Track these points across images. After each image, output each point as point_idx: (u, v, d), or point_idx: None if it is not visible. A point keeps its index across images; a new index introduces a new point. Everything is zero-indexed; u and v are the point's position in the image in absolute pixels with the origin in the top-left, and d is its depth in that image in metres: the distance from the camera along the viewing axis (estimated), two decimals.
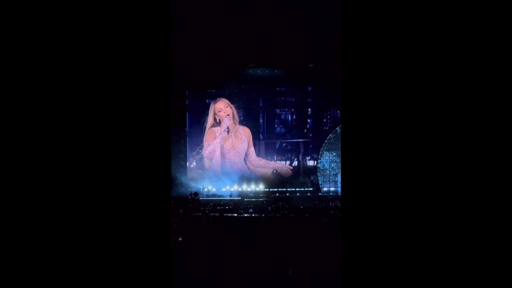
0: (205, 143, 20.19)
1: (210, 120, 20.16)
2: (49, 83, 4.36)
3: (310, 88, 21.36)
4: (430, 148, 4.25)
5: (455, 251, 4.16)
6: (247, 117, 21.12)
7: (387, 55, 4.37)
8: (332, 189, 19.37)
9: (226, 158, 20.29)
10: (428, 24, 4.31)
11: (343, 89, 4.52)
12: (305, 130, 21.34)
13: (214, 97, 20.62)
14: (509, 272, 4.05)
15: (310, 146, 21.05)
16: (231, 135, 20.26)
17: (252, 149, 20.54)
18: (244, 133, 20.50)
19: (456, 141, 4.22)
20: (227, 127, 19.93)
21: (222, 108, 20.07)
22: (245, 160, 20.48)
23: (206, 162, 20.26)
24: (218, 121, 20.18)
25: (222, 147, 20.13)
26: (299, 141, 21.24)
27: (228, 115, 19.93)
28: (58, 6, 4.38)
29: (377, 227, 4.28)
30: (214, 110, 20.19)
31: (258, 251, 6.92)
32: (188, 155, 20.74)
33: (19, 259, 4.26)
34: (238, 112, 20.56)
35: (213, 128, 20.18)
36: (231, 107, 20.12)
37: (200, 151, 20.37)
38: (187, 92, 21.38)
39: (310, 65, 20.37)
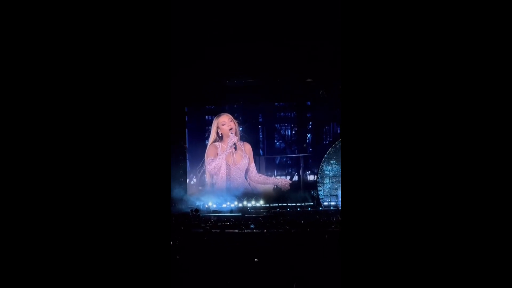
0: (208, 159, 20.12)
1: (212, 134, 20.12)
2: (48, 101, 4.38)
3: (309, 103, 21.37)
4: (429, 161, 4.25)
5: (456, 262, 4.14)
6: (247, 133, 21.07)
7: (386, 70, 4.39)
8: (332, 203, 19.28)
9: (227, 174, 20.22)
10: (423, 40, 4.33)
11: (343, 103, 4.54)
12: (305, 145, 21.30)
13: (214, 113, 20.61)
14: (509, 272, 4.03)
15: (310, 160, 20.98)
16: (232, 152, 20.22)
17: (252, 164, 20.46)
18: (245, 149, 20.43)
19: (455, 154, 4.23)
20: (234, 144, 19.90)
21: (226, 122, 20.05)
22: (245, 176, 20.40)
23: (208, 177, 20.18)
24: (220, 135, 20.14)
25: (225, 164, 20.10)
26: (299, 156, 21.18)
27: (231, 129, 19.91)
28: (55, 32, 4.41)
29: (377, 240, 4.27)
30: (217, 124, 20.18)
31: (260, 266, 6.89)
32: (188, 172, 20.65)
33: (19, 259, 4.24)
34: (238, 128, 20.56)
35: (215, 143, 20.15)
36: (234, 122, 20.11)
37: (203, 166, 20.32)
38: (186, 108, 21.36)
39: (309, 80, 20.42)
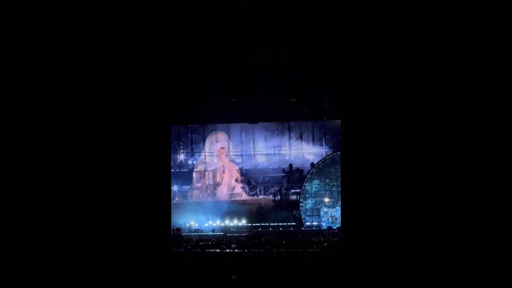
0: (196, 173, 20.29)
1: (206, 148, 20.34)
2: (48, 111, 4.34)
3: (292, 123, 21.61)
4: (429, 166, 4.24)
5: (456, 264, 4.12)
6: (230, 151, 21.35)
7: (386, 72, 4.39)
8: (315, 223, 19.28)
9: (213, 191, 20.45)
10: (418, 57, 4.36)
11: (343, 105, 4.52)
12: (288, 165, 21.45)
13: (197, 132, 20.80)
14: (509, 272, 4.03)
15: (293, 180, 21.07)
16: (220, 171, 20.45)
17: (239, 185, 20.70)
18: (233, 170, 20.71)
19: (456, 160, 4.23)
20: (223, 166, 20.27)
21: (221, 140, 20.39)
22: (230, 195, 20.60)
23: (196, 193, 20.28)
24: (211, 151, 20.45)
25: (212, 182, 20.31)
26: (282, 175, 21.31)
27: (223, 148, 20.22)
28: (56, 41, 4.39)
29: (378, 248, 4.24)
30: (212, 139, 20.30)
31: (241, 286, 6.83)
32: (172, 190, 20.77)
33: (18, 260, 4.16)
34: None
35: (206, 159, 20.38)
36: (228, 142, 20.42)
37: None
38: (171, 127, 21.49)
39: (292, 100, 20.61)
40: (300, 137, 22.11)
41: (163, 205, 4.53)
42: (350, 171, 4.41)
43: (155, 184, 4.49)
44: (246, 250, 10.08)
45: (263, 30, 17.61)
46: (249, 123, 21.53)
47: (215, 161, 21.20)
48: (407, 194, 4.30)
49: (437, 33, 4.38)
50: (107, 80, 4.47)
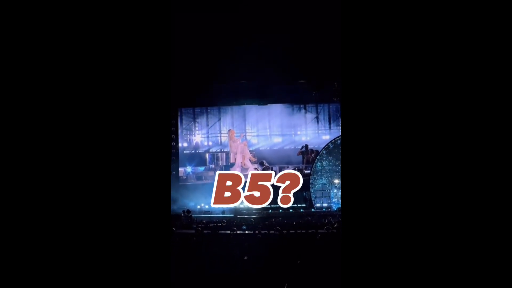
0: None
1: (221, 130, 21.89)
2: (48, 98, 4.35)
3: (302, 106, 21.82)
4: (430, 163, 4.23)
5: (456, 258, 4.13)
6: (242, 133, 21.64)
7: (386, 70, 4.37)
8: (325, 204, 19.31)
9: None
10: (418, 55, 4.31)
11: (343, 102, 4.50)
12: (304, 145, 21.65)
13: (212, 113, 21.41)
14: (509, 272, 4.02)
15: (308, 160, 21.16)
16: (235, 152, 21.13)
17: (252, 166, 21.22)
18: (245, 151, 21.41)
19: (456, 153, 4.22)
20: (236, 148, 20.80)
21: (235, 121, 21.56)
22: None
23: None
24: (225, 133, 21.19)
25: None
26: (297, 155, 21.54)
27: (235, 130, 21.01)
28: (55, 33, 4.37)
29: (377, 241, 4.25)
30: (227, 121, 21.84)
31: (252, 268, 6.87)
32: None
33: (18, 260, 4.20)
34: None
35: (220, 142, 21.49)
36: (244, 123, 21.58)
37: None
38: (178, 110, 21.69)
39: (302, 81, 20.58)
40: (317, 118, 22.14)
41: (163, 192, 4.50)
42: (351, 164, 4.40)
43: (155, 168, 4.46)
44: (256, 232, 10.11)
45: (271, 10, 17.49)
46: (259, 104, 21.59)
47: (229, 142, 21.48)
48: (408, 184, 4.28)
49: (443, 22, 4.32)
50: (102, 64, 4.43)
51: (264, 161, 21.38)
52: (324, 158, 19.48)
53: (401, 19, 4.35)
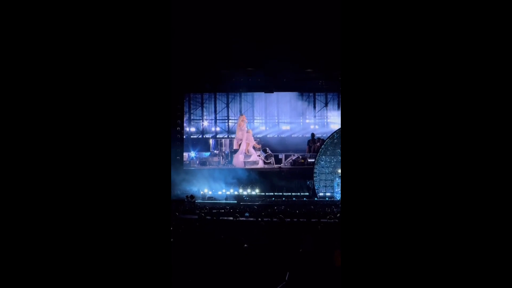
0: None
1: (228, 116, 22.14)
2: (48, 85, 4.33)
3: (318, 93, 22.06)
4: (431, 161, 4.22)
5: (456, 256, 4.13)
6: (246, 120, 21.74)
7: (386, 66, 4.35)
8: (328, 194, 19.34)
9: (231, 160, 21.31)
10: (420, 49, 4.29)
11: (343, 98, 4.50)
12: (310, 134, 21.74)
13: (219, 99, 21.88)
14: (509, 272, 4.02)
15: (314, 149, 21.20)
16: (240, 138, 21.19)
17: (255, 153, 21.37)
18: (250, 138, 21.45)
19: (454, 149, 4.21)
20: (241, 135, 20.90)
21: (241, 108, 21.64)
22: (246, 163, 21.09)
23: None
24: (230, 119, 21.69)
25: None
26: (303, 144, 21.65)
27: (242, 115, 21.47)
28: (58, 11, 4.35)
29: (377, 232, 4.25)
30: (233, 107, 22.24)
31: (254, 255, 6.89)
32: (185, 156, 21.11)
33: (17, 260, 4.22)
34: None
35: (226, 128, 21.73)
36: (252, 109, 22.01)
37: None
38: (186, 95, 21.82)
39: (309, 70, 20.56)
40: (325, 106, 22.15)
41: (162, 181, 4.50)
42: (350, 159, 4.39)
43: (154, 155, 4.45)
44: (259, 219, 10.14)
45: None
46: (265, 92, 21.59)
47: (235, 128, 21.62)
48: (409, 177, 4.27)
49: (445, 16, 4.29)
50: (101, 55, 4.40)
51: (267, 148, 21.40)
52: (329, 148, 19.47)
53: (401, 17, 4.32)
